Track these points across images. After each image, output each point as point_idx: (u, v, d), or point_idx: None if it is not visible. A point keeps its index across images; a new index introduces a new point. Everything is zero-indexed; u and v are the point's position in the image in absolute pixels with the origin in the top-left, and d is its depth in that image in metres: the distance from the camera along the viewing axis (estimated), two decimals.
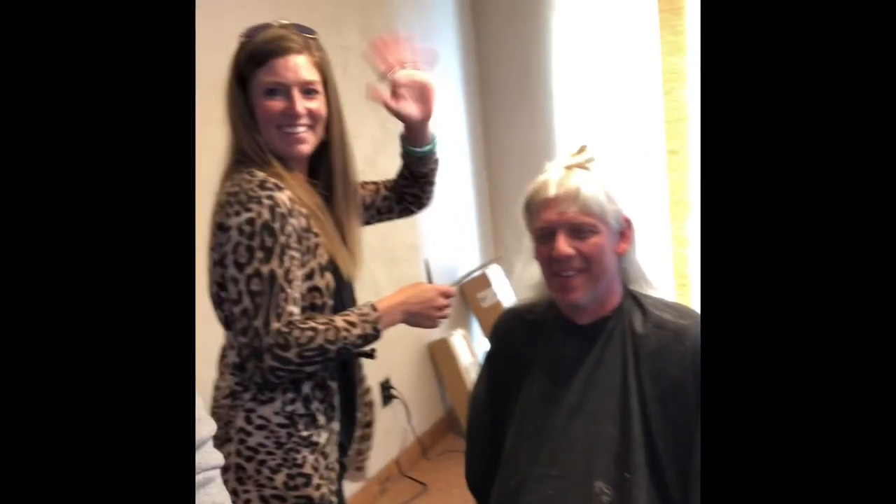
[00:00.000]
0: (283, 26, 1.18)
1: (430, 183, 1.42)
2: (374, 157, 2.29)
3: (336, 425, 1.25)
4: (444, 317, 1.27)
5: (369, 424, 1.37)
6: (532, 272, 1.17)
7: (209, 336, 1.35)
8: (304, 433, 1.18)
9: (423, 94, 1.28)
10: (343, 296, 1.25)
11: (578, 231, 1.08)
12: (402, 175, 1.41)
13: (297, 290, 1.13)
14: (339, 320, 1.14)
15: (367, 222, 1.40)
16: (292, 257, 1.12)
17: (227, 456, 1.17)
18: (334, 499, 1.25)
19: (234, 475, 1.17)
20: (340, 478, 1.32)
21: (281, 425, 1.17)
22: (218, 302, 1.18)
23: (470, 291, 3.01)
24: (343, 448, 1.30)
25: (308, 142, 1.19)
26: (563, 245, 1.08)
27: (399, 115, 1.28)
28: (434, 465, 2.67)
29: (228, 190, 1.13)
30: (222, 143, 1.21)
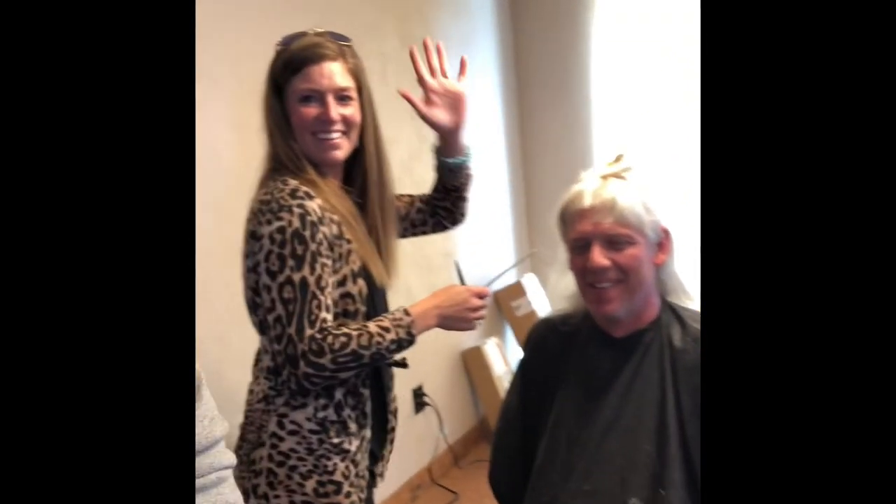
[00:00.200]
0: (318, 34, 1.19)
1: (463, 198, 1.42)
2: (411, 164, 2.30)
3: (367, 433, 1.24)
4: (479, 318, 1.25)
5: (391, 430, 1.37)
6: (567, 283, 1.15)
7: (242, 339, 1.36)
8: (336, 440, 1.18)
9: (455, 104, 1.29)
10: (376, 302, 1.25)
11: (614, 242, 1.06)
12: (435, 188, 1.41)
13: (329, 296, 1.13)
14: (372, 326, 1.14)
15: (402, 235, 1.40)
16: (324, 264, 1.12)
17: (259, 460, 1.18)
18: None
19: (265, 480, 1.17)
20: (370, 486, 1.32)
21: (313, 431, 1.17)
22: (253, 307, 1.19)
23: (504, 300, 2.99)
24: (374, 456, 1.30)
25: (342, 148, 1.20)
26: (598, 256, 1.06)
27: (429, 121, 1.29)
28: (465, 475, 2.65)
29: (261, 198, 1.14)
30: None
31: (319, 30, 1.20)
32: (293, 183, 1.14)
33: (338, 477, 1.18)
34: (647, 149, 2.89)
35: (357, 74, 1.20)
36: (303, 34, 1.19)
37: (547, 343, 1.21)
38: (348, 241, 1.17)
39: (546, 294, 3.03)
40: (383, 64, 2.25)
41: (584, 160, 3.01)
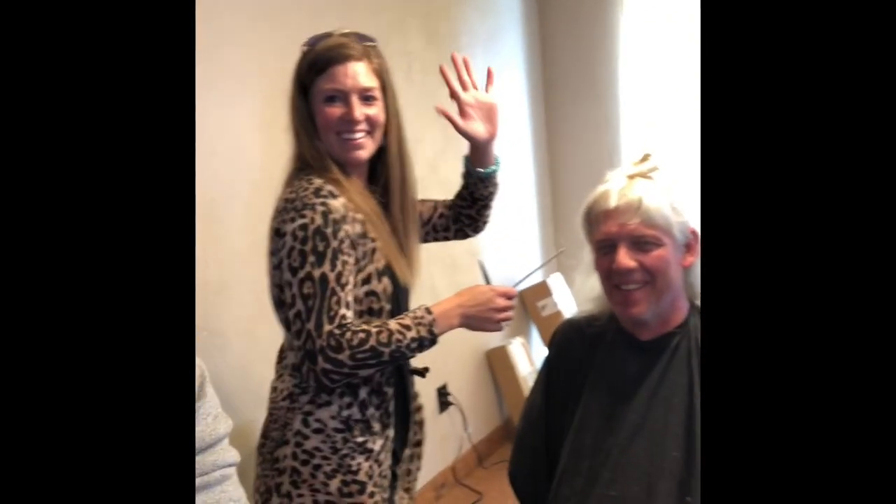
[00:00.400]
0: (343, 35, 1.19)
1: (487, 207, 1.43)
2: (436, 163, 2.29)
3: (391, 432, 1.24)
4: (506, 319, 1.23)
5: (419, 444, 1.36)
6: (592, 284, 1.14)
7: (269, 335, 1.37)
8: (360, 439, 1.18)
9: (489, 114, 1.31)
10: (400, 300, 1.25)
11: (640, 243, 1.04)
12: (460, 196, 1.42)
13: (349, 293, 1.13)
14: (392, 323, 1.14)
15: (424, 240, 1.40)
16: (345, 262, 1.12)
17: (282, 459, 1.18)
18: None
19: (289, 478, 1.17)
20: (393, 486, 1.32)
21: (337, 430, 1.17)
22: (278, 304, 1.20)
23: (530, 299, 2.98)
24: (396, 456, 1.30)
25: (366, 147, 1.20)
26: (624, 258, 1.04)
27: (466, 134, 1.30)
28: (490, 475, 2.64)
29: (286, 196, 1.15)
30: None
31: (345, 30, 1.20)
32: (318, 182, 1.14)
33: (362, 477, 1.18)
34: (674, 148, 2.85)
35: (381, 74, 1.21)
36: (328, 35, 1.20)
37: (572, 345, 1.19)
38: (372, 240, 1.18)
39: (572, 294, 3.01)
40: (409, 62, 2.24)
41: (610, 159, 2.98)
